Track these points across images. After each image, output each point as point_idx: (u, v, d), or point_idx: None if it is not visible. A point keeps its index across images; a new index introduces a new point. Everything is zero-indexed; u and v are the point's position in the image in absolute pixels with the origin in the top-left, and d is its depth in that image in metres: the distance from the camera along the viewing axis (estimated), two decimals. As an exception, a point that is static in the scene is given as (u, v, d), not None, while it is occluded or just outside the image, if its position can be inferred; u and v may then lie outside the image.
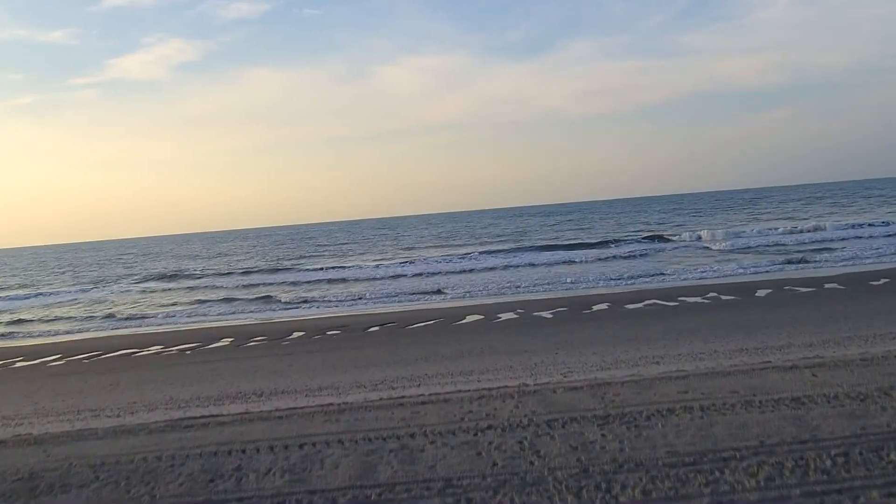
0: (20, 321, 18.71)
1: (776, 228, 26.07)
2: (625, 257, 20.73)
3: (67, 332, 16.04)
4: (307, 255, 38.49)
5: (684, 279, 15.96)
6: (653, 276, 16.67)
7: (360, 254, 35.15)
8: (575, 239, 32.00)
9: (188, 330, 14.64)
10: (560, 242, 29.29)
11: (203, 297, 20.66)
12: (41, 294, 28.06)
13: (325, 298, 17.93)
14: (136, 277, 32.74)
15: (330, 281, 22.74)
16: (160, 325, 16.25)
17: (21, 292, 29.55)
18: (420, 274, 21.88)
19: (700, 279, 15.80)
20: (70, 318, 18.70)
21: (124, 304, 21.24)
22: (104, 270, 41.06)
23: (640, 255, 20.88)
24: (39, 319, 18.98)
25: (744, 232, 25.68)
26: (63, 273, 43.73)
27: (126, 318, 17.43)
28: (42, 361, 11.50)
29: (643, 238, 26.16)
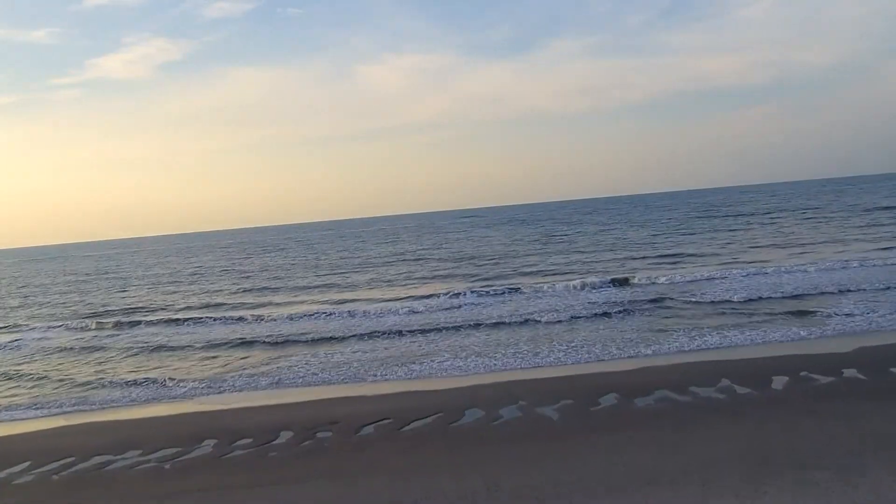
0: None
1: (764, 269, 25.07)
2: (605, 315, 19.37)
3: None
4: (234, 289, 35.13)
5: (684, 350, 15.17)
6: (648, 344, 15.93)
7: (296, 289, 31.97)
8: (542, 269, 31.04)
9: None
10: (529, 282, 27.49)
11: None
12: None
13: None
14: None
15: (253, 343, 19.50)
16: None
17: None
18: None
19: (701, 352, 14.95)
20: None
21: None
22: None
23: (623, 312, 19.89)
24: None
25: (722, 278, 24.06)
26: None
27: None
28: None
29: (610, 281, 24.90)
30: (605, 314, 19.06)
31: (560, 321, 18.62)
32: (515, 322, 18.89)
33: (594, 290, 23.37)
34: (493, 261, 37.28)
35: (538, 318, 19.22)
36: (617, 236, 51.75)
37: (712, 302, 19.65)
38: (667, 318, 18.10)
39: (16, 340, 22.95)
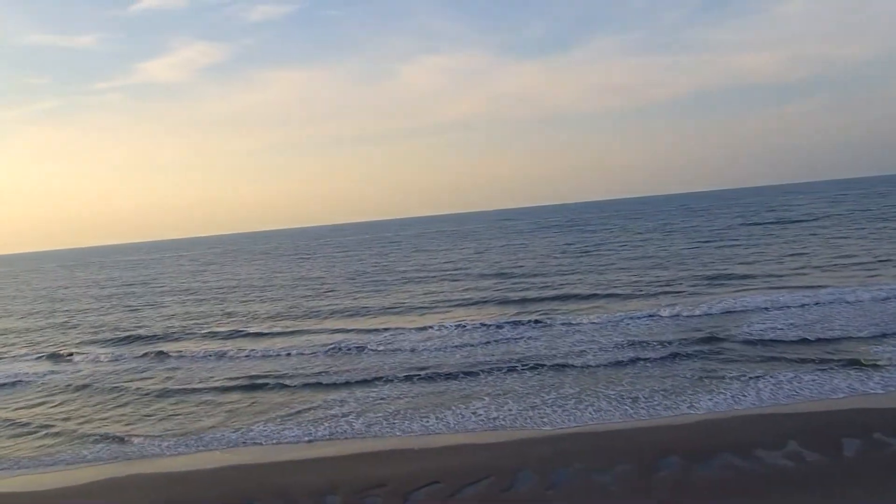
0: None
1: (818, 296, 23.83)
2: (651, 357, 17.53)
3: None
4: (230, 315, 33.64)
5: (742, 402, 14.27)
6: (701, 393, 15.04)
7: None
8: (581, 290, 29.98)
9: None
10: (569, 309, 25.89)
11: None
12: None
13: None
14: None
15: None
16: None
17: None
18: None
19: (761, 405, 14.09)
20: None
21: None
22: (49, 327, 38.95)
23: (672, 353, 18.71)
24: None
25: (775, 309, 22.30)
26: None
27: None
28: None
29: (649, 316, 22.95)
30: (652, 357, 17.76)
31: (603, 364, 17.53)
32: (556, 364, 17.82)
33: (638, 323, 22.10)
34: (531, 279, 36.35)
35: (578, 359, 18.19)
36: (659, 246, 50.65)
37: (765, 341, 18.39)
38: (717, 360, 17.00)
39: (47, 373, 22.61)
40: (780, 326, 19.82)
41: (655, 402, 14.38)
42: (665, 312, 22.86)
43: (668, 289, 28.35)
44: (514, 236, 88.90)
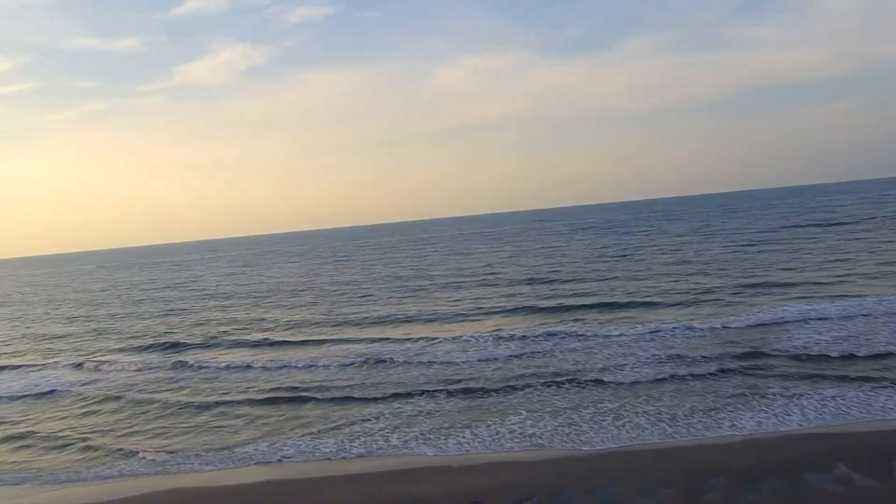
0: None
1: (864, 306, 23.15)
2: (691, 374, 16.94)
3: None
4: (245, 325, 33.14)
5: (787, 421, 13.84)
6: (744, 411, 14.64)
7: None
8: (618, 299, 29.35)
9: None
10: (606, 318, 25.15)
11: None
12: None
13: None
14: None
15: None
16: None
17: None
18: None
19: (802, 425, 13.61)
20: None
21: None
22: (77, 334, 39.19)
23: (715, 369, 17.72)
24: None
25: (817, 319, 21.61)
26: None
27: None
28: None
29: (687, 328, 22.14)
30: (690, 372, 17.30)
31: (640, 379, 17.10)
32: (593, 378, 17.46)
33: (676, 334, 21.63)
34: (567, 285, 35.97)
35: (615, 372, 17.84)
36: (697, 250, 49.91)
37: (807, 355, 17.83)
38: (758, 376, 16.52)
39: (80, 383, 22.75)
40: (823, 339, 19.24)
41: (695, 420, 14.03)
42: (704, 323, 22.38)
43: (706, 297, 27.80)
44: (551, 238, 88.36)
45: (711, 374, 17.00)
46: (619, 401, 15.66)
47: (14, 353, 30.47)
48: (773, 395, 15.06)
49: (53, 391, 21.44)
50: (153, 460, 14.53)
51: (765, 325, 21.76)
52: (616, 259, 48.78)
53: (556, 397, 16.36)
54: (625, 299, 28.83)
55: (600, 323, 24.22)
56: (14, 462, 15.23)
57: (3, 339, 35.21)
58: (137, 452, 15.00)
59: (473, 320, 27.41)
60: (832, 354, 17.71)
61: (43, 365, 26.10)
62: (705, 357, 18.50)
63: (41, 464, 14.95)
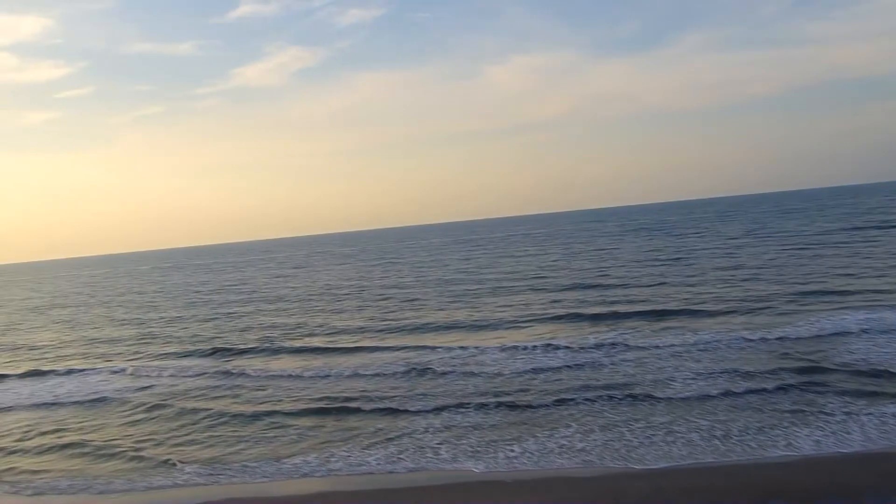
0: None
1: (890, 326, 21.27)
2: (749, 389, 16.47)
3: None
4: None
5: (847, 439, 13.42)
6: (801, 427, 14.25)
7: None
8: (671, 306, 28.73)
9: None
10: (657, 328, 24.62)
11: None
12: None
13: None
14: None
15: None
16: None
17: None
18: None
19: (863, 445, 13.13)
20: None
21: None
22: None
23: (773, 385, 16.69)
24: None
25: (879, 332, 20.58)
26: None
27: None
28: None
29: (741, 339, 21.57)
30: (743, 386, 16.85)
31: (692, 392, 16.74)
32: (643, 391, 17.14)
33: (729, 345, 21.06)
34: (618, 290, 35.50)
35: (666, 385, 17.49)
36: (751, 253, 48.96)
37: (867, 370, 17.26)
38: (815, 391, 16.02)
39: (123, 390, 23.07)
40: (885, 352, 18.62)
41: (749, 438, 13.70)
42: (757, 334, 21.85)
43: (760, 304, 27.14)
44: (602, 240, 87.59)
45: (766, 388, 16.56)
46: (670, 415, 15.39)
47: (67, 356, 31.04)
48: (830, 412, 14.65)
49: (104, 398, 21.67)
50: (201, 471, 14.66)
51: (822, 336, 21.16)
52: (667, 263, 48.10)
53: (606, 410, 16.14)
54: (676, 306, 28.35)
55: (651, 332, 23.83)
56: (66, 470, 15.47)
57: (57, 342, 35.88)
58: (186, 462, 15.16)
59: (522, 328, 27.21)
60: (893, 369, 17.16)
61: (94, 369, 26.49)
62: (759, 370, 18.05)
63: (94, 472, 15.16)
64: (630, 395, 16.96)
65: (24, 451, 17.05)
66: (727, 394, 16.42)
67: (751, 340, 21.28)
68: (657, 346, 21.58)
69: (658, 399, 16.53)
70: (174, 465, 15.08)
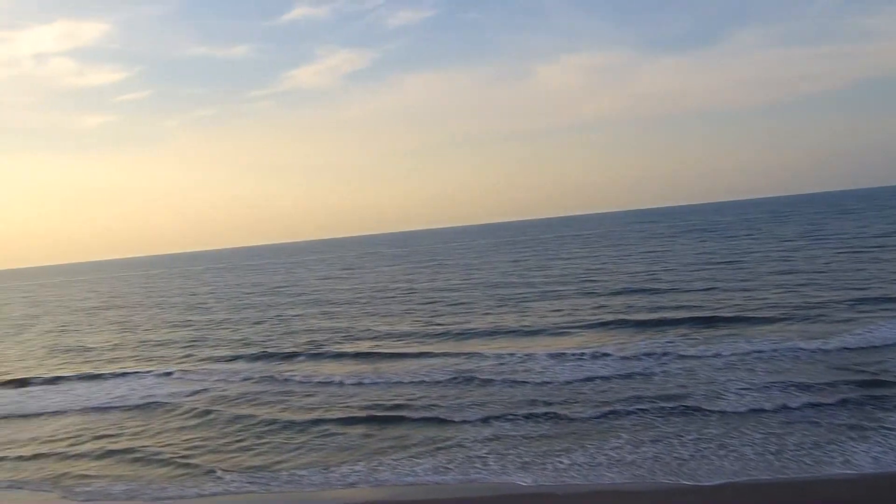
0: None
1: None
2: (808, 403, 15.90)
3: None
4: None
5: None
6: (856, 442, 13.84)
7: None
8: (728, 314, 28.05)
9: None
10: (711, 335, 24.01)
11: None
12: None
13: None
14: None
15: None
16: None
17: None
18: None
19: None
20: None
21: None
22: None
23: (834, 401, 16.14)
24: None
25: None
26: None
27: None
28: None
29: (798, 349, 20.89)
30: (798, 399, 16.36)
31: (744, 405, 16.33)
32: (693, 403, 16.76)
33: (783, 355, 20.43)
34: (669, 295, 34.93)
35: (718, 397, 17.10)
36: (807, 256, 47.86)
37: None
38: (873, 405, 15.48)
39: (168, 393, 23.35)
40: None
41: (804, 454, 13.33)
42: (813, 343, 21.28)
43: (816, 312, 26.41)
44: (653, 241, 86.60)
45: (823, 401, 16.12)
46: (722, 427, 15.10)
47: (119, 358, 31.66)
48: (893, 427, 14.20)
49: (154, 402, 21.92)
50: (249, 478, 14.78)
51: (882, 346, 20.58)
52: (720, 266, 47.26)
53: (657, 422, 15.88)
54: (729, 313, 27.79)
55: (702, 340, 23.38)
56: (118, 476, 15.71)
57: (110, 344, 36.59)
58: (234, 470, 15.29)
59: (570, 334, 26.94)
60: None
61: (146, 372, 26.88)
62: (815, 382, 17.56)
63: (146, 478, 15.39)
64: (681, 406, 16.63)
65: (77, 456, 17.35)
66: (782, 406, 16.00)
67: (806, 350, 20.72)
68: (709, 355, 21.14)
69: (710, 411, 16.20)
70: (223, 472, 15.20)
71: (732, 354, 20.97)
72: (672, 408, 16.63)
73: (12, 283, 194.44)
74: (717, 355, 21.06)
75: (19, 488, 15.47)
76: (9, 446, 18.64)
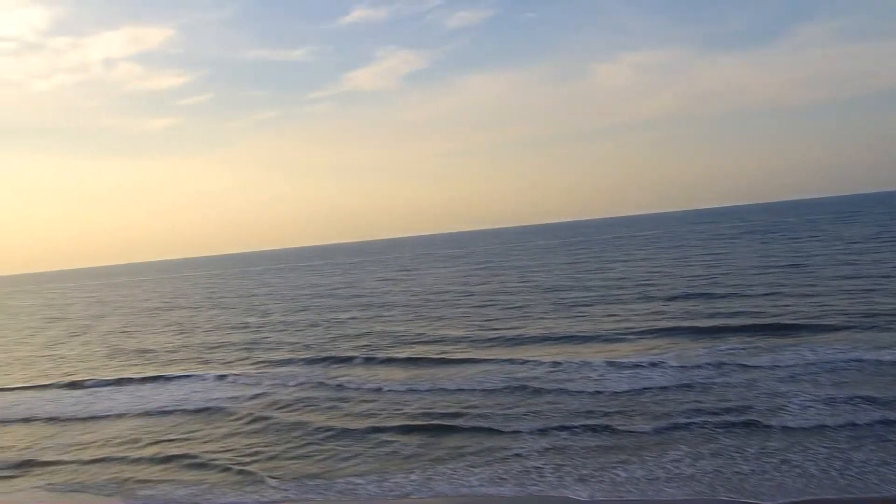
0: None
1: None
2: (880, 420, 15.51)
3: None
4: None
5: None
6: None
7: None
8: (787, 321, 27.26)
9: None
10: (769, 344, 23.40)
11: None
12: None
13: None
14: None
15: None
16: None
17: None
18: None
19: None
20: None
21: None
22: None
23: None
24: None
25: None
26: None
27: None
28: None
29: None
30: (866, 414, 15.77)
31: (808, 419, 15.84)
32: (754, 416, 16.32)
33: (849, 366, 19.59)
34: (730, 301, 34.11)
35: (780, 411, 16.58)
36: (874, 260, 46.34)
37: None
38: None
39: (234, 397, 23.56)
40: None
41: (869, 471, 12.90)
42: (882, 354, 20.52)
43: (885, 320, 25.46)
44: (714, 243, 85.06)
45: (891, 416, 15.54)
46: (785, 441, 14.73)
47: (176, 360, 32.28)
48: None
49: (210, 407, 22.17)
50: (307, 486, 14.91)
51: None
52: (782, 269, 46.10)
53: (716, 435, 15.53)
54: (792, 320, 26.98)
55: (764, 348, 22.77)
56: (178, 481, 15.98)
57: (168, 346, 37.30)
58: (292, 478, 15.42)
59: (628, 341, 26.49)
60: None
61: (202, 376, 27.30)
62: (884, 396, 16.92)
63: (206, 484, 15.61)
64: (742, 419, 16.24)
65: (137, 460, 17.69)
66: (848, 421, 15.50)
67: (875, 361, 20.03)
68: (771, 365, 20.60)
69: (771, 422, 15.80)
70: (280, 479, 15.35)
71: (796, 365, 20.37)
72: (732, 420, 16.25)
73: (81, 282, 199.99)
74: (779, 365, 20.49)
75: (83, 491, 15.84)
76: (71, 448, 19.15)
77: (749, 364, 20.98)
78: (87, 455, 18.34)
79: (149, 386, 26.71)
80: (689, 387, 19.41)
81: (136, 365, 32.05)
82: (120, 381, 27.95)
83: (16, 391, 28.35)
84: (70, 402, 25.05)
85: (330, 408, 20.91)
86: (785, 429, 15.47)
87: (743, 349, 22.99)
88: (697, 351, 23.33)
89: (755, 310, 30.44)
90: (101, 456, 18.15)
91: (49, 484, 16.45)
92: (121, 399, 24.82)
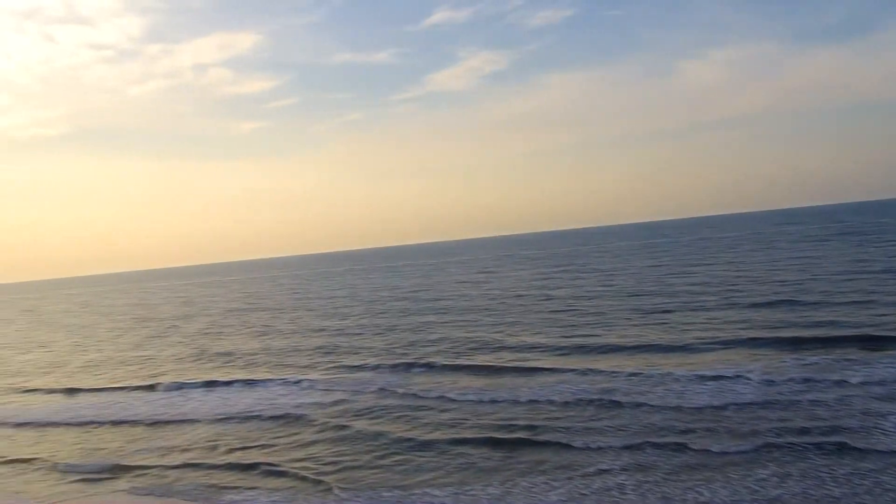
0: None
1: None
2: None
3: None
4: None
5: None
6: None
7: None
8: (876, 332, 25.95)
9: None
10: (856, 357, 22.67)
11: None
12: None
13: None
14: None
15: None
16: None
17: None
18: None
19: None
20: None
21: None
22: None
23: None
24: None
25: None
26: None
27: None
28: None
29: None
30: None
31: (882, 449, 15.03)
32: (845, 435, 15.65)
33: None
34: (819, 310, 32.70)
35: (877, 430, 15.89)
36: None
37: None
38: None
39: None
40: None
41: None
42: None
43: None
44: (803, 245, 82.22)
45: None
46: (879, 463, 14.13)
47: (253, 364, 32.96)
48: None
49: (285, 413, 22.43)
50: (384, 497, 14.98)
51: None
52: (878, 275, 43.61)
53: (806, 454, 14.99)
54: (887, 332, 25.60)
55: (856, 362, 21.71)
56: (259, 488, 16.28)
57: (247, 349, 37.88)
58: (369, 489, 15.53)
59: (712, 351, 25.68)
60: None
61: (278, 380, 27.70)
62: None
63: (287, 493, 15.88)
64: (832, 439, 15.59)
65: (217, 466, 18.09)
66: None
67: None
68: (864, 381, 19.69)
69: (865, 444, 15.14)
70: (359, 489, 15.47)
71: (893, 381, 19.45)
72: (822, 439, 15.62)
73: (172, 281, 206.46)
74: (872, 381, 19.59)
75: (168, 496, 16.27)
76: (156, 452, 19.72)
77: (839, 379, 20.05)
78: (170, 459, 18.85)
79: (231, 389, 27.32)
80: (775, 402, 18.70)
81: (220, 367, 32.84)
82: (204, 384, 28.65)
83: (106, 391, 29.44)
84: (156, 404, 25.84)
85: (406, 417, 20.97)
86: (879, 450, 14.82)
87: (833, 362, 22.00)
88: (784, 363, 22.52)
89: (848, 320, 29.05)
90: (184, 461, 18.62)
91: (133, 487, 16.97)
92: (204, 402, 25.46)
